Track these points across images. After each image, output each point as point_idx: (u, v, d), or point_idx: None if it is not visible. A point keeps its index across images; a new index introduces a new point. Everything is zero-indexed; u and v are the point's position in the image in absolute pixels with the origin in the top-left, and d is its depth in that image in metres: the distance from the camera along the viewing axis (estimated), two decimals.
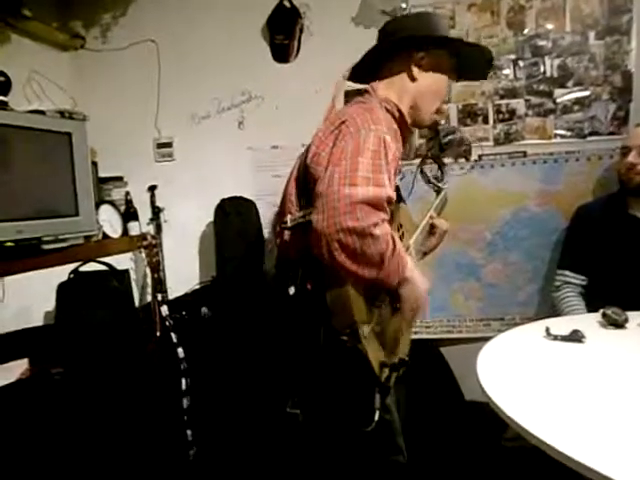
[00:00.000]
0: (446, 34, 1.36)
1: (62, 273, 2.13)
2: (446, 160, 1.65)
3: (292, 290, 1.21)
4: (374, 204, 1.05)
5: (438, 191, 1.71)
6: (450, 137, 1.47)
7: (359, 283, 1.12)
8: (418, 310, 1.23)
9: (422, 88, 1.33)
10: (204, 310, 2.25)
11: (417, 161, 2.34)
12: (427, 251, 1.60)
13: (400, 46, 1.32)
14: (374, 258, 1.06)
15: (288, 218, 1.26)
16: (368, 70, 1.39)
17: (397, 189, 1.45)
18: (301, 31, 2.47)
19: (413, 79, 1.32)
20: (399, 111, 1.32)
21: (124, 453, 1.89)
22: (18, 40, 2.40)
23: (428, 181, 1.59)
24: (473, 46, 1.42)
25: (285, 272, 1.26)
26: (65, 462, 1.78)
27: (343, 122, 1.17)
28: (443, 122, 1.42)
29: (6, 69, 1.86)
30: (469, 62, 1.40)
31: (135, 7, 2.67)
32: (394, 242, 1.11)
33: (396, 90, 1.33)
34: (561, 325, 1.39)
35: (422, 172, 1.54)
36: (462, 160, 2.33)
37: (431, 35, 1.31)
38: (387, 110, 1.29)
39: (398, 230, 1.36)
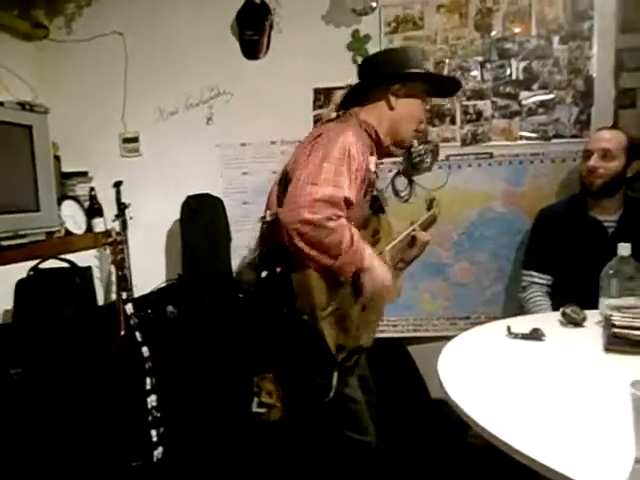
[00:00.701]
0: (420, 66, 1.53)
1: (22, 270, 2.07)
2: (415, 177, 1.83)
3: (264, 273, 1.37)
4: (331, 202, 1.22)
5: (429, 208, 1.86)
6: (419, 159, 1.65)
7: (319, 270, 1.27)
8: (378, 297, 1.37)
9: (400, 114, 1.50)
10: (170, 309, 2.22)
11: None
12: (409, 260, 1.72)
13: (379, 80, 1.50)
14: (331, 247, 1.23)
15: (267, 213, 1.43)
16: (353, 99, 1.56)
17: (376, 200, 1.63)
18: (271, 27, 2.46)
19: (391, 107, 1.49)
20: (376, 133, 1.49)
21: (86, 454, 1.85)
22: None
23: (396, 194, 1.70)
24: (442, 77, 1.64)
25: (261, 260, 1.43)
26: (24, 464, 1.73)
27: (319, 135, 1.37)
28: (416, 143, 1.64)
29: None
30: (440, 85, 1.60)
31: None
32: (352, 237, 1.26)
33: (376, 116, 1.50)
34: (522, 324, 1.41)
35: (393, 185, 1.73)
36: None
37: (406, 72, 1.48)
38: (365, 130, 1.47)
39: (373, 236, 1.52)
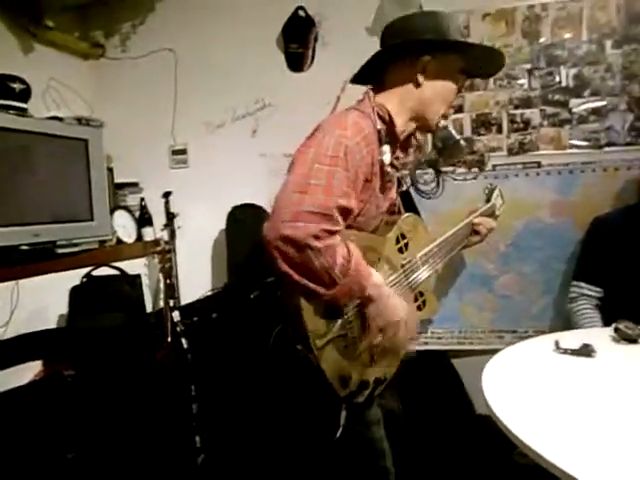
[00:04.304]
0: (456, 35, 1.23)
1: (76, 277, 2.17)
2: (444, 168, 1.58)
3: (254, 294, 1.22)
4: (321, 214, 1.01)
5: (488, 199, 1.73)
6: (446, 141, 1.38)
7: (311, 299, 1.06)
8: (389, 334, 1.14)
9: (427, 95, 1.25)
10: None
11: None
12: (468, 245, 1.65)
13: (404, 50, 1.23)
14: (321, 274, 1.01)
15: None
16: (373, 72, 1.30)
17: (406, 196, 1.46)
18: (315, 40, 2.49)
19: (417, 85, 1.24)
20: (390, 117, 1.24)
21: (133, 457, 1.90)
22: (40, 49, 2.47)
23: (417, 189, 1.52)
24: (485, 49, 1.33)
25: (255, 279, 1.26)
26: (74, 463, 1.80)
27: (317, 129, 1.15)
28: (443, 122, 1.33)
29: (26, 77, 1.91)
30: (479, 62, 1.31)
31: (154, 17, 2.73)
32: (348, 260, 1.04)
33: (398, 97, 1.25)
34: (571, 339, 1.36)
35: (413, 179, 1.48)
36: (476, 170, 2.32)
37: (437, 39, 1.20)
38: (378, 114, 1.23)
39: (398, 241, 1.32)
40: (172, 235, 2.66)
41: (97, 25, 2.80)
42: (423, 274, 1.38)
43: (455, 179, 2.34)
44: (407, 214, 1.40)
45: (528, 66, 2.25)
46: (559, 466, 0.79)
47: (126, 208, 2.53)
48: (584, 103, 2.19)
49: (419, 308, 1.41)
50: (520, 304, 2.31)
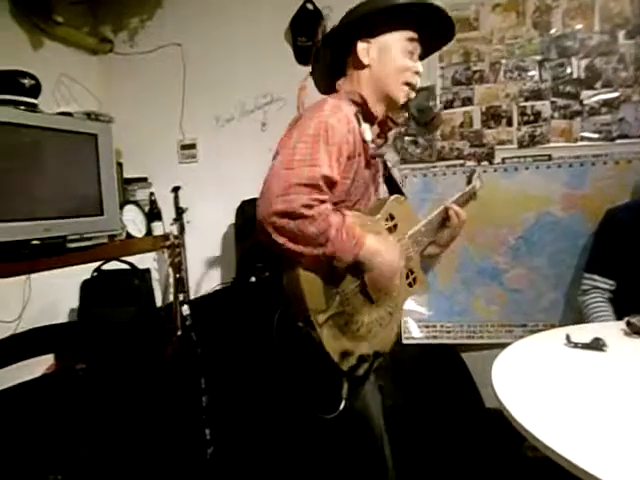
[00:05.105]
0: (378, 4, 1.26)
1: (86, 271, 2.18)
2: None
3: (253, 278, 1.25)
4: (308, 185, 1.06)
5: (469, 182, 1.72)
6: (419, 107, 1.37)
7: (311, 262, 1.12)
8: (381, 289, 1.22)
9: (378, 71, 1.30)
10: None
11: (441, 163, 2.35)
12: (443, 243, 1.55)
13: (339, 43, 1.31)
14: (317, 237, 1.07)
15: None
16: (332, 73, 1.39)
17: (390, 181, 1.50)
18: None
19: (364, 66, 1.30)
20: (361, 97, 1.30)
21: (143, 450, 1.92)
22: (49, 44, 2.48)
23: (411, 156, 1.51)
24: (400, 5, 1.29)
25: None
26: (85, 455, 1.82)
27: (297, 119, 1.22)
28: (413, 95, 1.34)
29: (36, 72, 1.92)
30: (430, 26, 1.31)
31: (161, 12, 2.73)
32: (343, 219, 1.12)
33: (356, 82, 1.32)
34: (583, 332, 1.34)
35: (397, 151, 1.48)
36: (485, 163, 2.31)
37: (351, 20, 1.27)
38: (352, 101, 1.29)
39: (387, 221, 1.35)
40: (181, 230, 2.67)
41: (106, 20, 2.81)
42: (413, 253, 1.42)
43: (464, 172, 2.33)
44: (394, 195, 1.43)
45: (539, 57, 2.23)
46: (569, 459, 0.79)
47: (135, 203, 2.54)
48: (596, 95, 2.17)
49: (410, 285, 1.44)
50: (530, 298, 2.30)
